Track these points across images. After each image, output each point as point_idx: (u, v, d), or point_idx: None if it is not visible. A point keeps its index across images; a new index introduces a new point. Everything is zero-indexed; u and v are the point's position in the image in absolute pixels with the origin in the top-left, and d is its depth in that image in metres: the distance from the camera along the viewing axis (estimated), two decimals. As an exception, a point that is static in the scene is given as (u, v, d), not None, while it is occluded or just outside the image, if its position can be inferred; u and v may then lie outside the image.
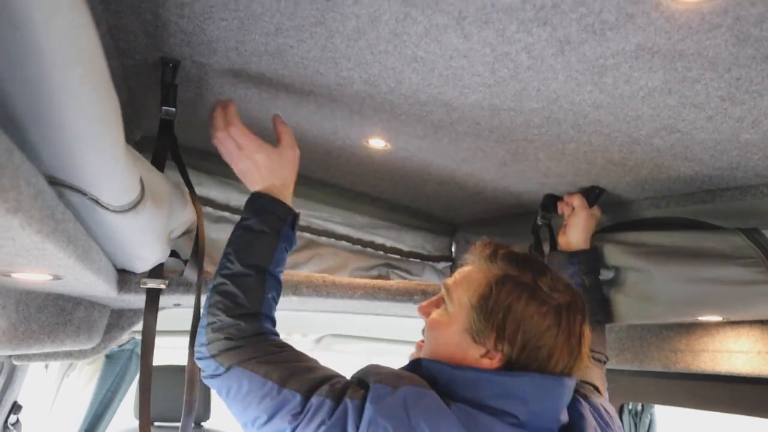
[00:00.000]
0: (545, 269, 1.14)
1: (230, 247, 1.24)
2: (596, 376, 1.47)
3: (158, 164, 1.29)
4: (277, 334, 1.23)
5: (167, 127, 1.32)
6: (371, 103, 1.30)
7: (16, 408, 2.14)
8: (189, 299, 1.53)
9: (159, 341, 1.38)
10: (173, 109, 1.28)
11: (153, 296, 1.37)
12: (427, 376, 1.07)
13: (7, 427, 2.12)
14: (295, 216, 1.30)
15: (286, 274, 1.63)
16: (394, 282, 1.80)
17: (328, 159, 1.72)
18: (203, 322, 1.21)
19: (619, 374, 2.10)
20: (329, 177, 1.91)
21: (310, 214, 1.96)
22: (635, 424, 2.38)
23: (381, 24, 0.99)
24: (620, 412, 2.37)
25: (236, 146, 1.28)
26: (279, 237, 1.26)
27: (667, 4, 0.83)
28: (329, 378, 1.09)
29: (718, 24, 0.86)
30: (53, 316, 1.34)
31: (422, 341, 1.21)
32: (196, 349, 1.22)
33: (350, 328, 3.21)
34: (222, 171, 1.70)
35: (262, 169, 1.28)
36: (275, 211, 1.27)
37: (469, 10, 0.92)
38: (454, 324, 1.13)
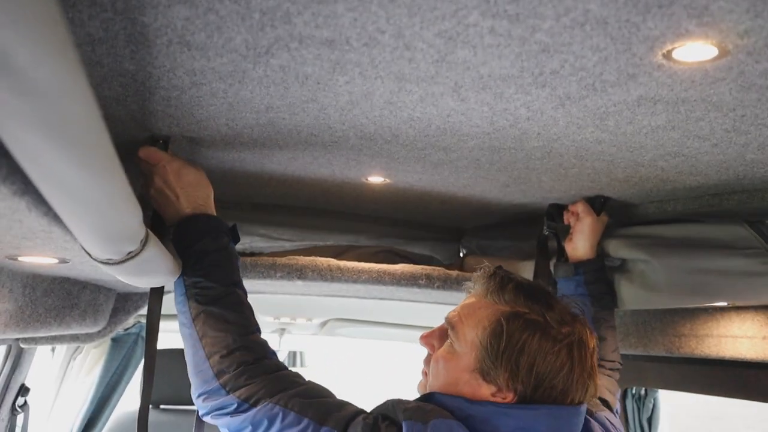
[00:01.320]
0: (552, 301, 1.13)
1: (195, 274, 1.20)
2: (606, 386, 1.47)
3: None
4: (273, 351, 1.22)
5: None
6: (368, 152, 1.28)
7: (23, 390, 2.17)
8: None
9: (164, 325, 1.36)
10: None
11: None
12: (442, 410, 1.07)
13: (16, 409, 2.14)
14: (233, 226, 1.29)
15: (291, 259, 1.62)
16: (399, 266, 1.79)
17: (328, 194, 1.70)
18: (200, 358, 1.15)
19: (622, 359, 2.11)
20: (330, 206, 1.89)
21: (315, 244, 1.95)
22: (638, 409, 2.38)
23: (375, 97, 0.96)
24: (624, 396, 2.37)
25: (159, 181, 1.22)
26: (231, 250, 1.25)
27: (669, 65, 0.81)
28: (359, 413, 1.10)
29: (722, 77, 0.83)
30: (59, 300, 1.35)
31: (425, 370, 1.20)
32: (199, 389, 1.15)
33: (355, 312, 3.19)
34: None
35: (182, 190, 1.22)
36: (219, 227, 1.25)
37: (465, 80, 0.89)
38: (462, 362, 1.11)
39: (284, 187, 1.63)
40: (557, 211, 1.73)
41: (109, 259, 0.89)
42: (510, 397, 1.06)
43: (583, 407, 1.10)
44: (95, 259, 0.89)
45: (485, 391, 1.08)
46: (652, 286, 1.57)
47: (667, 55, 0.78)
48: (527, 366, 1.05)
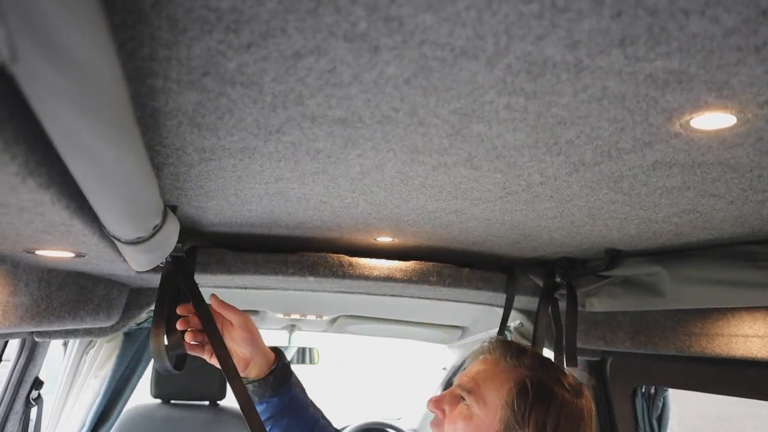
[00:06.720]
0: (562, 370, 1.23)
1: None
2: None
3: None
4: None
5: (178, 265, 1.32)
6: (377, 216, 1.26)
7: (37, 384, 2.19)
8: (206, 279, 1.55)
9: None
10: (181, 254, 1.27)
11: None
12: None
13: (30, 402, 2.17)
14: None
15: (303, 255, 1.62)
16: (411, 263, 1.77)
17: (337, 251, 1.68)
18: None
19: (632, 357, 2.05)
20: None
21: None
22: (648, 408, 2.34)
23: (387, 167, 0.95)
24: (633, 395, 2.32)
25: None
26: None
27: (686, 133, 0.79)
28: None
29: (740, 143, 0.82)
30: (74, 294, 1.37)
31: None
32: None
33: (365, 308, 3.13)
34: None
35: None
36: None
37: (479, 151, 0.88)
38: (484, 424, 1.15)
39: (292, 246, 1.61)
40: (570, 262, 1.71)
41: (139, 238, 0.90)
42: None
43: None
44: (126, 242, 0.89)
45: None
46: (657, 293, 1.57)
47: (685, 125, 0.77)
48: (553, 425, 1.11)
